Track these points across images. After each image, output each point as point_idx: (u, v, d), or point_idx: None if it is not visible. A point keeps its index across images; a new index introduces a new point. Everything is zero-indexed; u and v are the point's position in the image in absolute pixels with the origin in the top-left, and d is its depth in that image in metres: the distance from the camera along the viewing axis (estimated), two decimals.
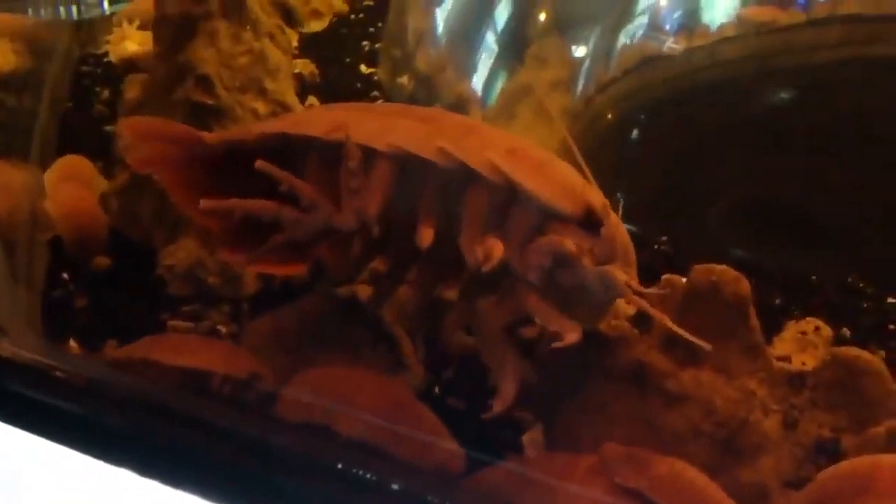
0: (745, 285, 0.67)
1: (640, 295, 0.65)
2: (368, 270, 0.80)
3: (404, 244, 0.73)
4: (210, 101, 0.92)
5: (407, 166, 0.70)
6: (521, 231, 0.67)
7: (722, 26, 1.17)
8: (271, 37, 0.99)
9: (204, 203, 0.73)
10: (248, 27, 0.96)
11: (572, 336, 0.65)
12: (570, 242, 0.64)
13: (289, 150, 0.75)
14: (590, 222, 0.66)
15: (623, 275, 0.65)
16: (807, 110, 1.10)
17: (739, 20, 1.17)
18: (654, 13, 1.18)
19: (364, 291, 0.80)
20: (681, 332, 0.64)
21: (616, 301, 0.68)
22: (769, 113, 1.11)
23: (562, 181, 0.67)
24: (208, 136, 0.78)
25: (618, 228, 0.67)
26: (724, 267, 0.67)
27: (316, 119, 0.76)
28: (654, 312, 0.65)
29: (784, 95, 1.14)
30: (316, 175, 0.73)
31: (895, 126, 1.05)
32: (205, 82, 0.92)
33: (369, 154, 0.71)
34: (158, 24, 0.96)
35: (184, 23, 0.94)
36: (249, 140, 0.77)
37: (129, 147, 0.79)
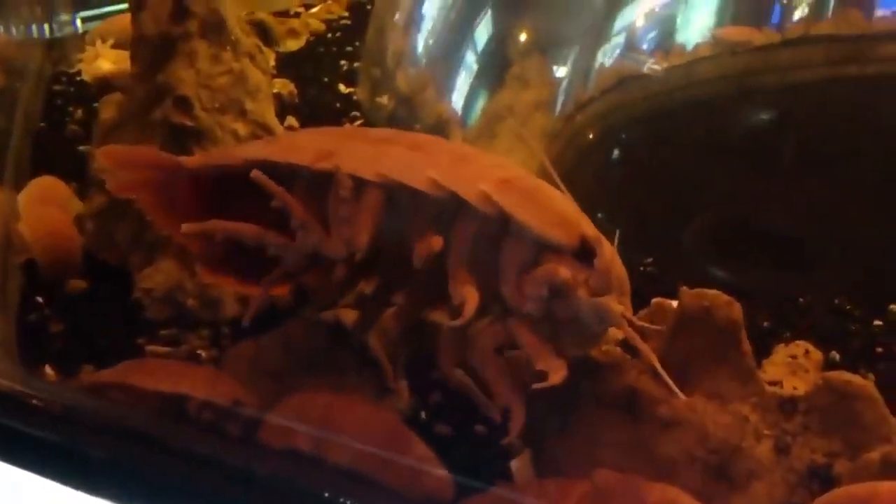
0: (737, 310, 0.66)
1: (634, 327, 0.65)
2: (354, 294, 0.78)
3: (391, 268, 0.72)
4: (189, 123, 0.90)
5: (397, 196, 0.70)
6: (515, 263, 0.66)
7: (698, 46, 1.18)
8: (251, 57, 0.98)
9: (186, 227, 0.72)
10: (227, 47, 0.95)
11: (557, 376, 0.64)
12: (565, 271, 0.64)
13: (274, 176, 0.73)
14: (585, 253, 0.65)
15: (618, 306, 0.65)
16: (782, 129, 1.11)
17: (715, 40, 1.17)
18: (630, 33, 1.18)
19: (348, 316, 0.79)
20: (663, 374, 0.64)
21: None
22: (745, 132, 1.12)
23: (556, 211, 0.67)
24: (188, 161, 0.77)
25: (613, 259, 0.66)
26: (715, 292, 0.67)
27: (303, 146, 0.75)
28: (643, 348, 0.64)
29: (760, 115, 1.15)
30: (302, 202, 0.72)
31: (868, 145, 1.06)
32: (184, 103, 0.90)
33: (359, 182, 0.70)
34: (136, 44, 0.95)
35: (162, 43, 0.92)
36: (233, 166, 0.75)
37: (108, 174, 0.78)
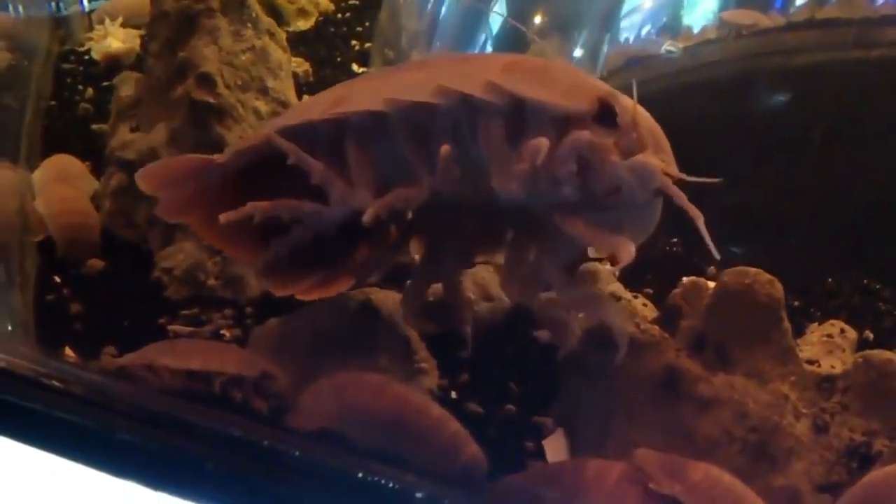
0: (778, 288, 0.66)
1: (677, 183, 0.61)
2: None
3: (437, 219, 0.71)
4: (212, 100, 0.89)
5: (413, 120, 0.67)
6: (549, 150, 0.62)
7: (705, 28, 1.17)
8: (271, 34, 0.97)
9: (224, 217, 0.70)
10: (248, 24, 0.94)
11: (627, 252, 0.61)
12: (587, 135, 0.60)
13: (295, 142, 0.71)
14: (605, 114, 0.62)
15: (656, 160, 0.61)
16: (789, 111, 1.11)
17: (721, 22, 1.17)
18: (638, 15, 1.18)
19: (378, 295, 0.78)
20: (707, 238, 0.60)
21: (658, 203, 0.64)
22: (752, 113, 1.12)
23: (566, 81, 0.64)
24: (219, 158, 0.75)
25: (638, 113, 0.62)
26: (757, 270, 0.66)
27: (315, 102, 0.74)
28: (689, 207, 0.60)
29: (766, 96, 1.15)
30: (326, 161, 0.69)
31: (874, 128, 1.06)
32: (206, 80, 0.89)
33: (378, 121, 0.67)
34: (156, 21, 0.93)
35: (184, 19, 0.91)
36: (256, 145, 0.73)
37: (155, 201, 0.76)
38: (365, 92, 0.70)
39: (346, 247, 0.78)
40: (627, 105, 0.62)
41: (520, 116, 0.64)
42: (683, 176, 0.62)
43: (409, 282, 0.77)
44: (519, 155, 0.63)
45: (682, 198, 0.61)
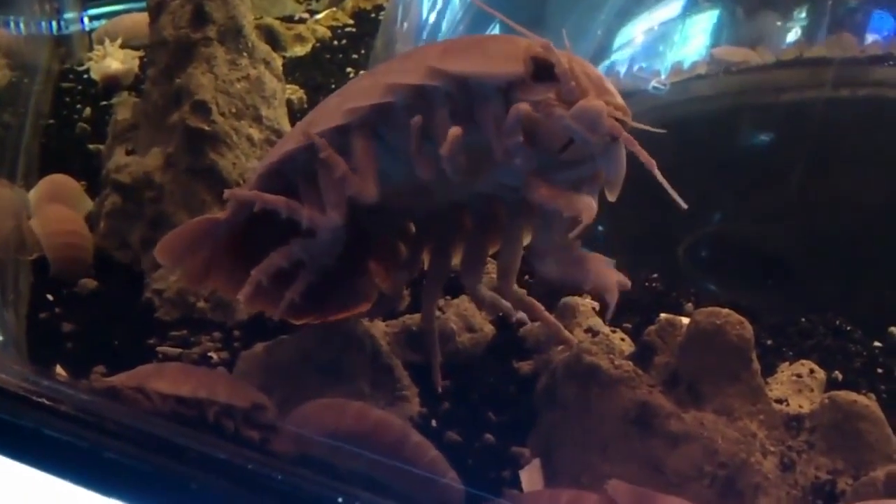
0: (748, 329, 0.68)
1: (624, 125, 0.61)
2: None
3: (442, 224, 0.74)
4: (206, 127, 0.91)
5: (380, 125, 0.68)
6: (494, 124, 0.64)
7: (695, 64, 1.20)
8: (266, 63, 0.99)
9: (240, 295, 0.72)
10: (244, 54, 0.96)
11: (588, 212, 0.61)
12: (524, 105, 0.61)
13: (294, 171, 0.73)
14: (541, 70, 0.63)
15: (599, 102, 0.60)
16: (776, 148, 1.13)
17: (712, 59, 1.20)
18: (630, 49, 1.20)
19: (365, 325, 0.80)
20: (668, 187, 0.60)
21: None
22: (740, 149, 1.14)
23: (499, 49, 0.65)
24: (221, 214, 0.76)
25: (574, 62, 0.63)
26: (728, 310, 0.68)
27: (288, 136, 0.76)
28: (640, 152, 0.61)
29: (754, 133, 1.17)
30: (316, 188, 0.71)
31: (862, 166, 1.08)
32: (202, 108, 0.91)
33: (343, 135, 0.68)
34: (154, 48, 0.96)
35: (181, 47, 0.94)
36: (252, 192, 0.73)
37: (176, 271, 0.79)
38: (327, 111, 0.71)
39: (359, 270, 0.80)
40: (563, 58, 0.62)
41: (467, 93, 0.65)
42: (626, 118, 0.62)
43: (424, 283, 0.80)
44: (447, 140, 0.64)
45: (633, 143, 0.61)
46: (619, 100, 0.63)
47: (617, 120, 0.61)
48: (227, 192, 0.72)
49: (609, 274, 0.65)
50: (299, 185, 0.72)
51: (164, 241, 0.75)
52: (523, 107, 0.62)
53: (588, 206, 0.62)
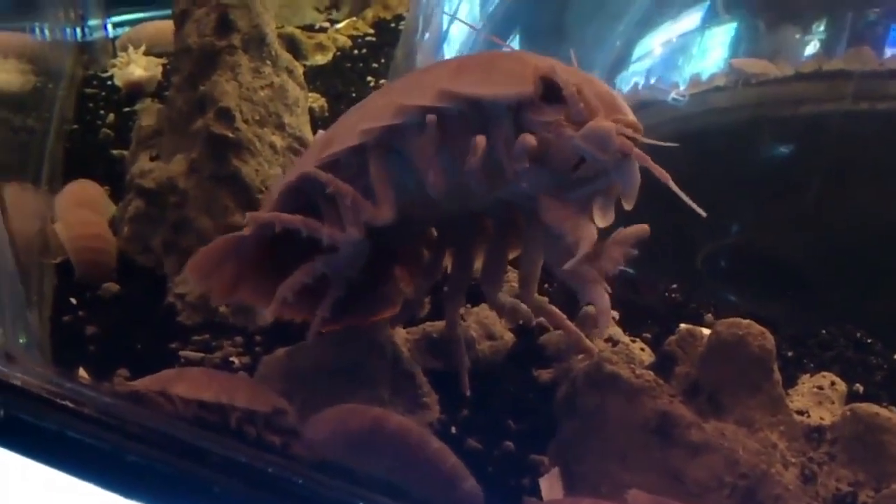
0: (770, 340, 0.68)
1: (635, 142, 0.61)
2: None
3: (460, 232, 0.74)
4: (230, 134, 0.92)
5: (394, 144, 0.69)
6: (502, 144, 0.64)
7: (714, 76, 1.20)
8: (289, 71, 1.00)
9: (268, 313, 0.74)
10: (268, 62, 0.97)
11: (588, 242, 0.62)
12: (530, 138, 0.62)
13: (314, 190, 0.73)
14: (549, 91, 0.63)
15: (608, 122, 0.61)
16: (795, 160, 1.13)
17: (731, 70, 1.20)
18: (649, 60, 1.20)
19: (386, 332, 0.81)
20: (685, 197, 0.60)
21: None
22: (758, 161, 1.14)
23: (509, 69, 0.65)
24: (245, 231, 0.76)
25: (583, 80, 0.63)
26: (749, 321, 0.69)
27: (306, 156, 0.77)
28: (640, 154, 0.61)
29: (773, 145, 1.17)
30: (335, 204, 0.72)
31: (877, 180, 1.08)
32: (226, 115, 0.92)
33: (360, 154, 0.69)
34: (179, 55, 0.96)
35: (206, 55, 0.94)
36: (271, 213, 0.74)
37: (207, 292, 0.79)
38: (346, 127, 0.72)
39: (385, 277, 0.82)
40: (571, 77, 0.62)
41: (480, 111, 0.66)
42: (637, 135, 0.62)
43: (445, 289, 0.81)
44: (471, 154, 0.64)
45: (645, 158, 0.61)
46: (631, 116, 0.64)
47: (628, 137, 0.61)
48: (248, 216, 0.73)
49: (604, 297, 0.65)
50: (319, 202, 0.73)
51: (193, 260, 0.77)
52: (529, 138, 0.62)
53: (589, 235, 0.63)
